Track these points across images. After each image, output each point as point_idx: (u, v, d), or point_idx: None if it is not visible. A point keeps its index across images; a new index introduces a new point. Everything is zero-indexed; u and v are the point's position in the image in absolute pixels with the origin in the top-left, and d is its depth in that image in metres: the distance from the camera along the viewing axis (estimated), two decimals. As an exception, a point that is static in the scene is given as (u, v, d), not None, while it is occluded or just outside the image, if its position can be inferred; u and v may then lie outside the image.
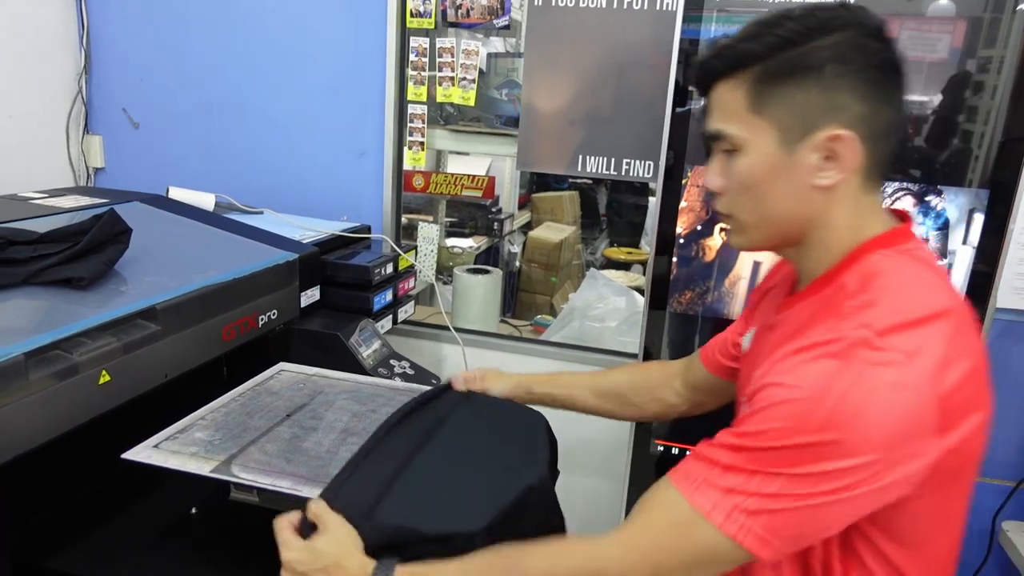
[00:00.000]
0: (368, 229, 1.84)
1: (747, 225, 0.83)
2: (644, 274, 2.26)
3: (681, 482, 0.74)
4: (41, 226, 1.13)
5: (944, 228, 1.43)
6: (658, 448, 1.68)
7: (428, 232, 2.08)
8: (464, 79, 1.90)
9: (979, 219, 1.41)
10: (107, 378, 0.97)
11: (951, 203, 1.42)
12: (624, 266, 3.44)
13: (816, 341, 0.70)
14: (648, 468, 1.70)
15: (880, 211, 0.82)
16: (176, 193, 1.70)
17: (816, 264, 0.82)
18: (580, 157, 1.85)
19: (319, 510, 0.84)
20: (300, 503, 0.87)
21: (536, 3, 1.78)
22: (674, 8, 1.64)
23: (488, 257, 2.99)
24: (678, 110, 1.51)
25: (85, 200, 1.50)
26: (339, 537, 0.81)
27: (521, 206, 3.49)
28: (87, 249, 1.09)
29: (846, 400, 0.66)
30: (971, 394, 0.71)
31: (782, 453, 0.68)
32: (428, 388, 1.18)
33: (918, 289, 0.74)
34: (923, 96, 1.41)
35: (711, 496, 0.71)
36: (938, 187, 1.42)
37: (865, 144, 0.75)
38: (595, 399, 1.21)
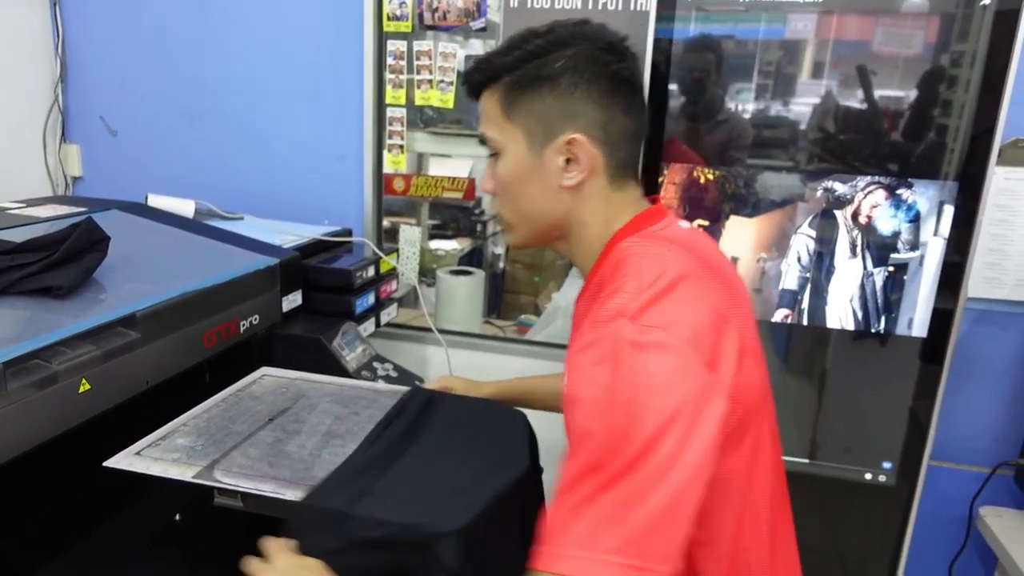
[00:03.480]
0: (349, 233, 1.84)
1: (511, 224, 0.92)
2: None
3: (550, 565, 0.67)
4: (18, 236, 1.13)
5: (915, 220, 1.46)
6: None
7: (410, 235, 2.09)
8: (443, 82, 1.91)
9: (949, 211, 1.43)
10: (87, 386, 0.97)
11: (921, 195, 1.44)
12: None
13: (586, 342, 0.73)
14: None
15: (632, 203, 0.88)
16: (155, 200, 1.70)
17: (583, 260, 0.90)
18: (559, 157, 1.87)
19: (271, 548, 0.79)
20: (284, 506, 0.88)
21: (512, 5, 1.80)
22: (647, 8, 1.66)
23: (472, 259, 3.00)
24: (658, 108, 1.53)
25: (63, 209, 1.49)
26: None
27: (504, 207, 3.49)
28: (65, 258, 1.09)
29: (632, 395, 0.67)
30: (730, 348, 0.75)
31: (612, 471, 0.66)
32: (406, 391, 1.18)
33: (658, 264, 0.78)
34: (899, 91, 1.43)
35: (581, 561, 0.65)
36: (908, 180, 1.44)
37: (602, 147, 0.84)
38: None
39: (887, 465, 1.59)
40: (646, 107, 0.90)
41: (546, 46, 0.83)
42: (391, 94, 1.94)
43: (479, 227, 3.04)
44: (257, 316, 1.35)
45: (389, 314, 1.82)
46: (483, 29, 1.87)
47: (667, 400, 0.68)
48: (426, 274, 2.17)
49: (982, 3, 1.34)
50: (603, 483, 0.66)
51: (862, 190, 1.47)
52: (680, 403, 0.68)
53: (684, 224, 0.91)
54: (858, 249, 1.50)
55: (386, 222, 2.10)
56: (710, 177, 1.54)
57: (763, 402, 0.82)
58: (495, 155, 0.89)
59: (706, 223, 1.56)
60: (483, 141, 0.90)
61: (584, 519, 0.66)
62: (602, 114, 0.83)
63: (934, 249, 1.46)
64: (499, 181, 0.89)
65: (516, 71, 0.84)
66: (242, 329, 1.31)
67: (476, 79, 0.88)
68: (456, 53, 1.89)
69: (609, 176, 0.86)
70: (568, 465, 0.70)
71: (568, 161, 0.84)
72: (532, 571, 0.67)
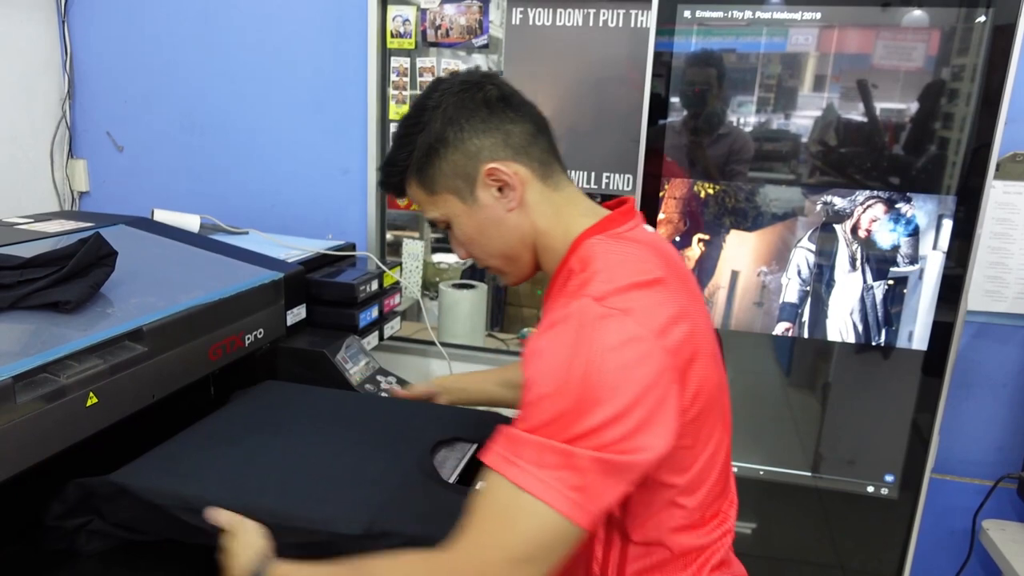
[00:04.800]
0: (353, 247, 1.85)
1: (499, 268, 0.99)
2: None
3: (500, 466, 0.76)
4: (27, 251, 1.14)
5: (914, 234, 1.47)
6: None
7: (413, 248, 2.10)
8: (445, 97, 1.93)
9: (948, 224, 1.44)
10: (95, 400, 0.98)
11: (920, 209, 1.46)
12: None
13: (551, 320, 0.80)
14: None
15: (582, 204, 0.95)
16: (161, 215, 1.71)
17: (549, 265, 0.96)
18: (561, 171, 1.88)
19: (229, 520, 0.89)
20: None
21: (514, 22, 1.82)
22: (647, 24, 1.68)
23: (475, 272, 3.01)
24: (659, 122, 1.55)
25: (70, 224, 1.51)
26: (242, 540, 0.87)
27: (506, 220, 3.51)
28: (73, 273, 1.10)
29: (584, 364, 0.73)
30: (695, 350, 0.81)
31: (553, 427, 0.74)
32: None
33: (626, 263, 0.85)
34: (900, 104, 1.44)
35: (528, 473, 0.74)
36: (907, 194, 1.46)
37: (517, 159, 0.91)
38: (502, 389, 1.32)
39: (889, 478, 1.59)
40: (530, 103, 0.95)
41: (420, 121, 0.91)
42: (394, 110, 1.96)
43: (482, 240, 3.06)
44: (262, 330, 1.36)
45: (392, 327, 1.83)
46: (485, 46, 1.89)
47: (626, 383, 0.73)
48: (429, 287, 2.18)
49: (980, 19, 1.36)
50: (550, 447, 0.73)
51: (861, 204, 1.48)
52: (639, 390, 0.74)
53: (648, 228, 0.97)
54: (858, 263, 1.51)
55: (389, 236, 2.11)
56: (710, 191, 1.56)
57: (719, 399, 0.89)
58: (448, 227, 0.97)
59: (706, 237, 1.57)
60: (433, 224, 0.98)
61: (532, 452, 0.74)
62: (497, 136, 0.90)
63: (933, 262, 1.47)
64: (463, 242, 0.97)
65: (413, 155, 0.92)
66: (247, 343, 1.32)
67: (392, 182, 0.97)
68: (459, 69, 1.91)
69: (540, 179, 0.93)
70: (523, 416, 0.77)
71: (500, 189, 0.91)
72: (485, 468, 0.77)
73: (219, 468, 1.00)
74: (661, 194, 1.57)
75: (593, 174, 1.86)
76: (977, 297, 1.66)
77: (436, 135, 0.91)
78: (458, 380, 1.35)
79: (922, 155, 1.45)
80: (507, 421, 1.34)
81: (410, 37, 1.91)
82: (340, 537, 0.86)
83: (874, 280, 1.50)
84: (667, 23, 1.50)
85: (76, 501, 0.96)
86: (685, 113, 1.54)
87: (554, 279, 0.94)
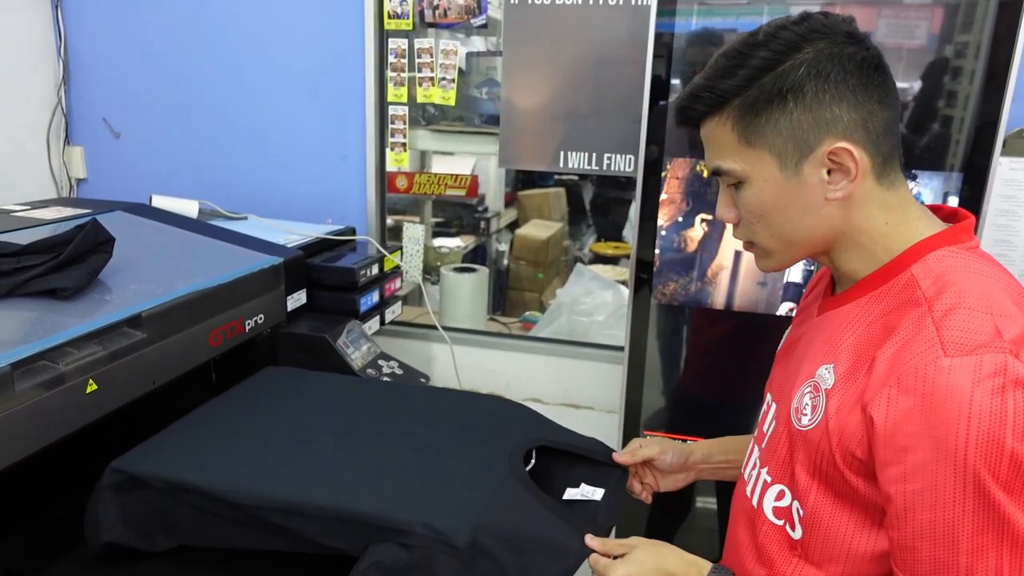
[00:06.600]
0: (353, 231, 1.84)
1: (771, 250, 0.83)
2: (630, 267, 2.27)
3: None
4: (24, 238, 1.14)
5: (920, 212, 1.46)
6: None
7: (413, 232, 2.09)
8: (444, 79, 1.91)
9: (954, 202, 1.43)
10: (94, 387, 0.97)
11: (926, 187, 1.44)
12: (612, 260, 3.46)
13: (945, 367, 0.65)
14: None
15: (916, 206, 0.80)
16: (159, 201, 1.70)
17: (857, 267, 0.81)
18: (562, 153, 1.87)
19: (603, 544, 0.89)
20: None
21: (513, 1, 1.79)
22: (648, 2, 1.65)
23: (476, 256, 3.01)
24: (660, 103, 1.53)
25: (68, 211, 1.50)
26: (649, 547, 0.88)
27: (508, 204, 3.50)
28: (70, 259, 1.10)
29: (1017, 427, 0.63)
30: None
31: (989, 510, 0.64)
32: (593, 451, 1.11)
33: (1007, 292, 0.71)
34: (903, 83, 1.42)
35: None
36: (913, 172, 1.44)
37: (867, 148, 0.75)
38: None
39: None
40: (896, 86, 0.78)
41: (776, 55, 0.74)
42: (393, 92, 1.94)
43: (483, 224, 3.05)
44: (262, 315, 1.36)
45: (394, 312, 1.82)
46: (484, 26, 1.87)
47: None
48: (430, 272, 2.17)
49: (985, -7, 1.34)
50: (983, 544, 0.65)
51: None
52: None
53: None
54: (862, 242, 1.50)
55: (390, 220, 2.10)
56: (713, 171, 1.54)
57: None
58: (736, 183, 0.80)
59: (709, 217, 1.56)
60: (717, 173, 0.81)
61: None
62: (859, 112, 0.74)
63: (939, 241, 1.46)
64: (749, 210, 0.81)
65: (746, 91, 0.75)
66: (247, 328, 1.32)
67: (699, 110, 0.80)
68: (457, 50, 1.89)
69: (876, 175, 0.77)
70: (927, 510, 0.66)
71: (829, 172, 0.76)
72: None
73: (277, 460, 0.98)
74: (663, 174, 1.56)
75: (594, 155, 1.84)
76: (982, 276, 1.65)
77: (793, 83, 0.73)
78: (714, 450, 1.12)
79: (926, 133, 1.44)
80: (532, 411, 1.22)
81: (407, 18, 1.88)
82: (442, 545, 0.80)
83: (879, 259, 1.50)
84: (668, 2, 1.48)
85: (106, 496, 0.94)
86: (686, 93, 1.52)
87: (863, 286, 0.79)
